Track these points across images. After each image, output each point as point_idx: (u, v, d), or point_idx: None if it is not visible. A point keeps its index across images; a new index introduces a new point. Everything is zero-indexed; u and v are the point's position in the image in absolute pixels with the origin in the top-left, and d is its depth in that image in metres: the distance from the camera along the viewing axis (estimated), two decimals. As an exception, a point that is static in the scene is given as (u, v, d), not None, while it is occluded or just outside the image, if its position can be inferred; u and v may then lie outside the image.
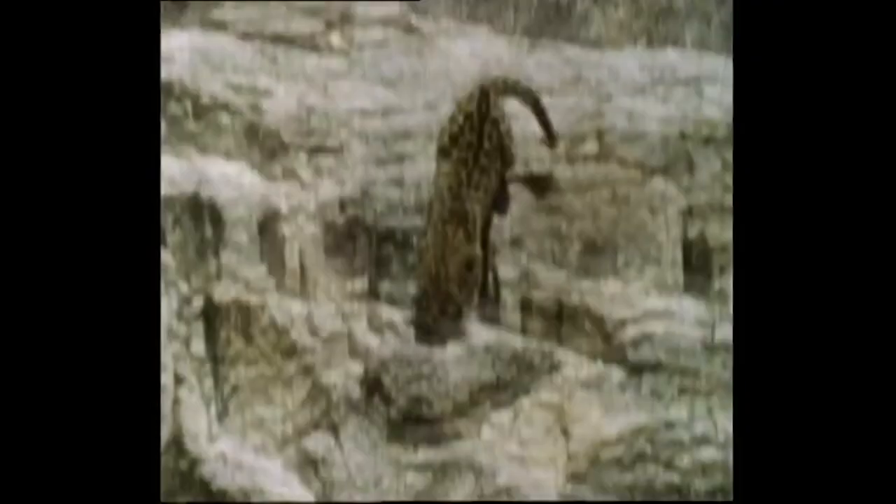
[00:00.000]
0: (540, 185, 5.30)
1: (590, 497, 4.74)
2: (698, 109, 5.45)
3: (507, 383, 4.98)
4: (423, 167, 5.41)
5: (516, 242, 5.25)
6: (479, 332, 5.06)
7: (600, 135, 5.43)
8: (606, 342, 5.03)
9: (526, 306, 5.16)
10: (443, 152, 5.15)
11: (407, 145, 5.55)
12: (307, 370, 5.13)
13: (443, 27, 5.90)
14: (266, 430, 5.07)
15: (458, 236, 4.95)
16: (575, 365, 5.01)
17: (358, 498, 4.86)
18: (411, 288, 5.17)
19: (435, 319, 4.95)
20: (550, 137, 5.35)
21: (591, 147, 5.42)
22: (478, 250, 4.99)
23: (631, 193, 5.32)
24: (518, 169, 5.32)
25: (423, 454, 4.89)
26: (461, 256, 4.92)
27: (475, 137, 5.08)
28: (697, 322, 5.05)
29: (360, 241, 5.35)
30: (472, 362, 5.00)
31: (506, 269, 5.22)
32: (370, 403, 4.99)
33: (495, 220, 5.25)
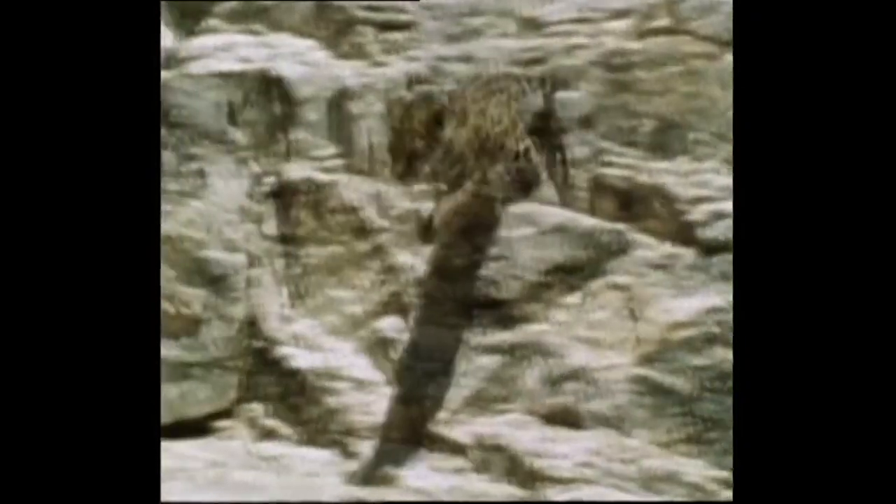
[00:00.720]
0: None
1: (659, 378, 4.75)
2: (775, -24, 5.31)
3: (578, 265, 4.97)
4: (494, 43, 5.35)
5: (587, 121, 5.20)
6: (549, 213, 5.05)
7: (672, 7, 5.33)
8: (677, 222, 5.00)
9: (597, 186, 5.13)
10: None
11: (477, 21, 5.49)
12: (378, 250, 5.15)
13: None
14: (338, 311, 5.11)
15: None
16: (645, 246, 4.98)
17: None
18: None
19: (401, 176, 4.69)
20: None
21: (662, 20, 5.33)
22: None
23: (704, 68, 5.23)
24: (592, 52, 5.27)
25: (494, 336, 4.91)
26: (427, 110, 4.69)
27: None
28: (770, 200, 4.98)
29: (430, 118, 5.32)
30: (542, 243, 5.00)
31: (576, 149, 5.18)
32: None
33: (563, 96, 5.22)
